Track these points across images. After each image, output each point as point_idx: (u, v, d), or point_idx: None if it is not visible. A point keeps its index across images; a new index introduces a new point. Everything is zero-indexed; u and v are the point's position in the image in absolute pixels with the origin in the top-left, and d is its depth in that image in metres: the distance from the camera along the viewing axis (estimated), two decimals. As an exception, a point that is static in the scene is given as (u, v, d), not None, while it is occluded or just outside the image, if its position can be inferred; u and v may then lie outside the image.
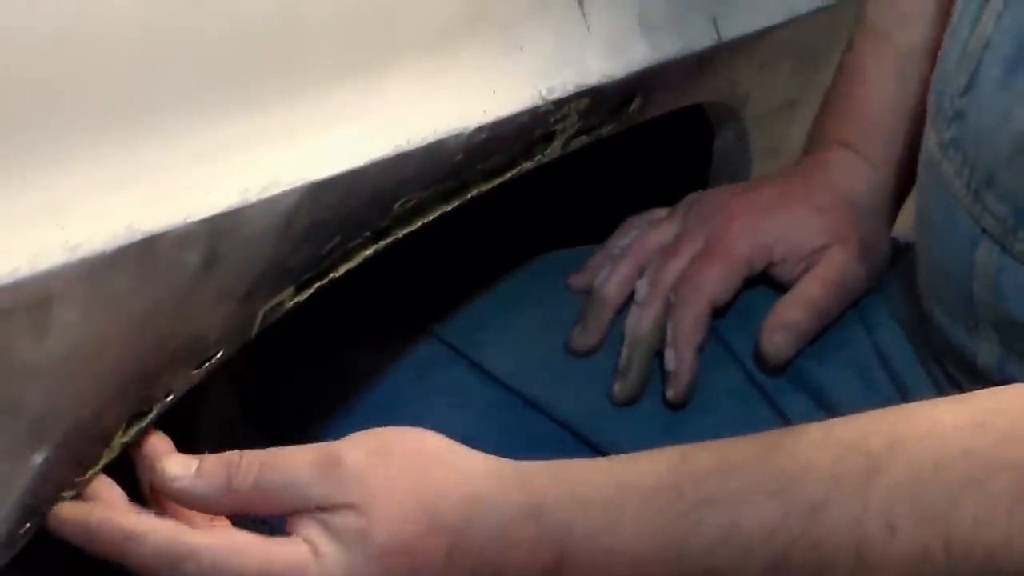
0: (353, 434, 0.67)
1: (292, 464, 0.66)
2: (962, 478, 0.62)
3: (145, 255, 0.59)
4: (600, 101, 0.84)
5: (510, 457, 0.68)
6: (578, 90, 0.81)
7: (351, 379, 0.97)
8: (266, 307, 0.69)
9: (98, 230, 0.57)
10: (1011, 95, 0.76)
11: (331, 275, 0.73)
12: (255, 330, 0.70)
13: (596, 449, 0.92)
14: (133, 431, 0.66)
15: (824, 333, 0.95)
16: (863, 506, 0.63)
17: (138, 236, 0.58)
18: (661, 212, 1.01)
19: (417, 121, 0.72)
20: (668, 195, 1.03)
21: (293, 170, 0.65)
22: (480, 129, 0.75)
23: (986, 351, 0.83)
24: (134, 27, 0.59)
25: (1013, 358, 0.81)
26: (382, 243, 0.74)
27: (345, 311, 0.95)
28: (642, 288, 0.96)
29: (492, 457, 0.68)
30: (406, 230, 0.76)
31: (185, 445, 0.70)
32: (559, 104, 0.80)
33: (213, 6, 0.61)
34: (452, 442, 0.68)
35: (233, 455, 0.67)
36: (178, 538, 0.64)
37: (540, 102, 0.79)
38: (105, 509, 0.66)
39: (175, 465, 0.67)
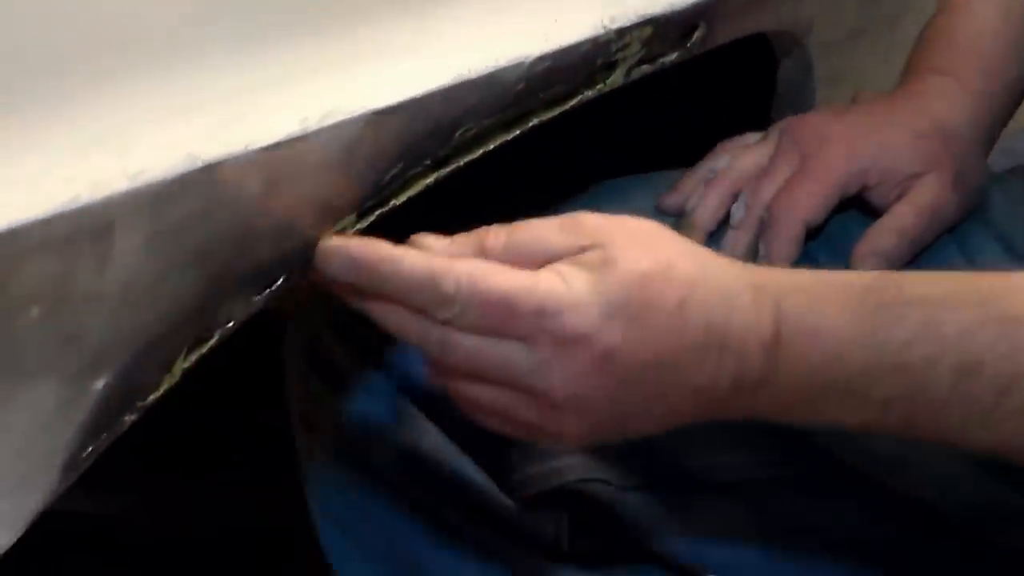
0: None
1: (537, 224, 0.70)
2: None
3: (206, 183, 0.59)
4: (663, 30, 0.83)
5: None
6: (641, 19, 0.81)
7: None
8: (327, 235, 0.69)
9: (159, 158, 0.57)
10: None
11: (392, 203, 0.73)
12: (316, 257, 0.70)
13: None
14: (194, 357, 0.67)
15: (919, 255, 0.95)
16: None
17: (199, 164, 0.58)
18: (754, 136, 1.00)
19: (479, 50, 0.72)
20: (731, 124, 1.02)
21: (355, 99, 0.65)
22: (542, 58, 0.75)
23: None
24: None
25: None
26: (443, 171, 0.74)
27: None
28: (738, 211, 0.96)
29: None
30: (467, 158, 0.75)
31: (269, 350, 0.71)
32: (621, 33, 0.80)
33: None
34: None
35: (481, 229, 0.70)
36: (435, 258, 0.67)
37: (602, 31, 0.78)
38: (364, 240, 0.69)
39: (430, 238, 0.70)
